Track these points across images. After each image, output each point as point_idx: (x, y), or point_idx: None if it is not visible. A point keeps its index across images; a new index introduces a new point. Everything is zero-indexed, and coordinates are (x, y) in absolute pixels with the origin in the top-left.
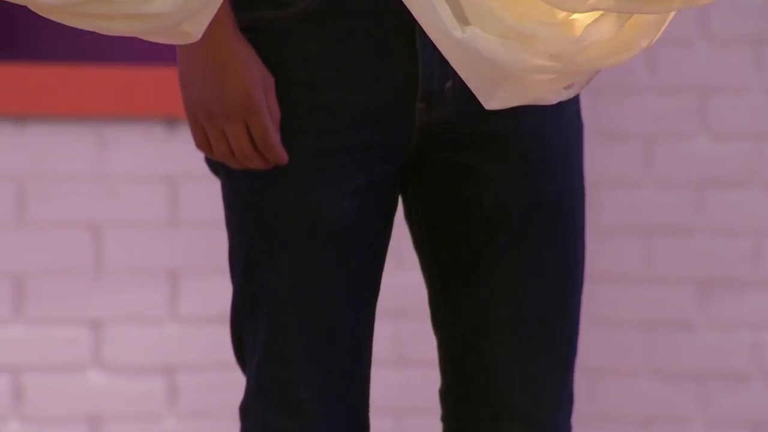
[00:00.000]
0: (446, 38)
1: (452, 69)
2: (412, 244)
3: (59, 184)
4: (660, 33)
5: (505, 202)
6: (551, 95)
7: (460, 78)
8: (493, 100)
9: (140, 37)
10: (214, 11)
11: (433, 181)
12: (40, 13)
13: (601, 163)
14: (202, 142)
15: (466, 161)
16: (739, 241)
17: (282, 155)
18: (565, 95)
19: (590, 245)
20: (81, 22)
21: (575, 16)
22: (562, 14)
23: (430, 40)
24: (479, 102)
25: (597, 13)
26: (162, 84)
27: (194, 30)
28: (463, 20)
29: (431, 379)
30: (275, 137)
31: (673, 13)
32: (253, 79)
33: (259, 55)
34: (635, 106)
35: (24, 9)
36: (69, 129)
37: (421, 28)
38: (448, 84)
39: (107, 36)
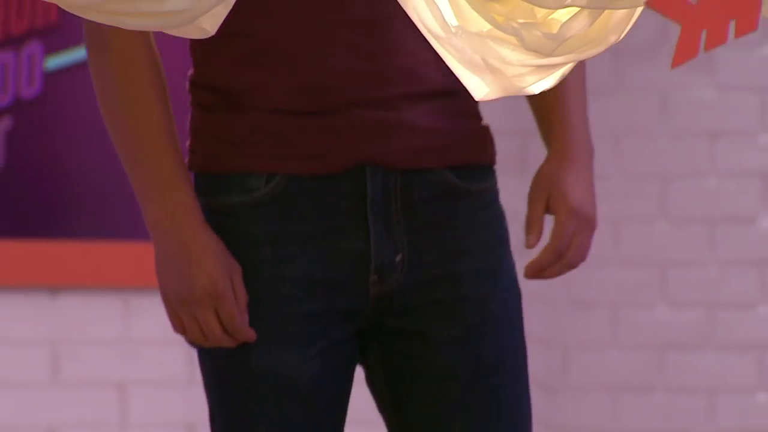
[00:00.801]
0: (437, 36)
1: (401, 243)
2: (377, 408)
3: (89, 347)
4: (627, 30)
5: (453, 363)
6: (534, 86)
7: (409, 251)
8: (481, 92)
9: (161, 30)
10: (228, 9)
11: (388, 345)
12: (69, 11)
13: (571, 327)
14: (178, 327)
15: (416, 326)
16: (695, 398)
17: (249, 335)
18: (546, 85)
19: (562, 402)
20: (107, 18)
21: (553, 15)
22: (542, 13)
23: (381, 218)
24: (426, 272)
25: (573, 11)
26: None
27: (210, 26)
28: (451, 18)
29: None
30: (242, 321)
31: (638, 12)
32: (218, 269)
33: (228, 235)
34: (602, 277)
35: (57, 194)
36: (97, 298)
37: (372, 208)
38: (398, 257)
39: (131, 216)
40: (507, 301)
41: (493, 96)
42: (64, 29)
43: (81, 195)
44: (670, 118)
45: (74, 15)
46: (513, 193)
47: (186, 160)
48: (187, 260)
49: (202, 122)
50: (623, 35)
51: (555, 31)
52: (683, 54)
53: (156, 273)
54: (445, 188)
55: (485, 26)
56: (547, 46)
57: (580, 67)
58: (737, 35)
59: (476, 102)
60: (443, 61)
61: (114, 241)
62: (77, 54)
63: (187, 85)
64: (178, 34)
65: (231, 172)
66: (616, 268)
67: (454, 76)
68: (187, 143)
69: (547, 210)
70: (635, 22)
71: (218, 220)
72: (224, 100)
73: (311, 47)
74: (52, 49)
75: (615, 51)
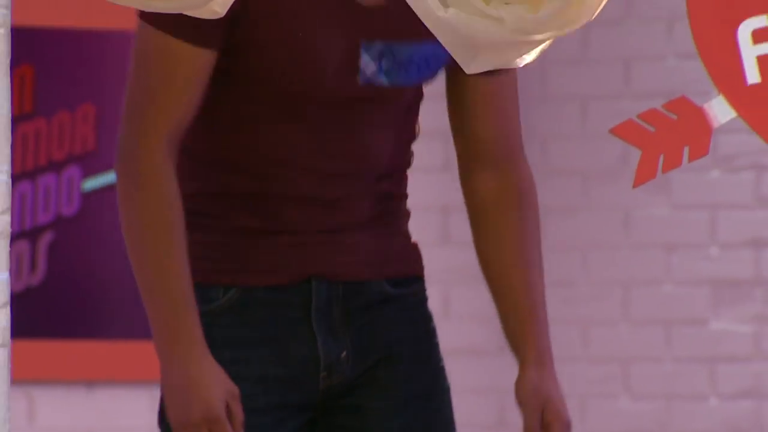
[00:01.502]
0: (432, 16)
1: (345, 342)
2: None
3: None
4: (597, 12)
5: (386, 428)
6: (517, 60)
7: (351, 348)
8: (471, 66)
9: (180, 12)
10: None
11: (333, 422)
12: None
13: None
14: None
15: (355, 402)
16: None
17: None
18: (528, 59)
19: None
20: (128, 0)
21: None
22: None
23: (325, 324)
24: (368, 361)
25: None
26: None
27: (220, 8)
28: (444, 3)
29: None
30: None
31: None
32: (215, 394)
33: None
34: (572, 372)
35: (93, 299)
36: (128, 391)
37: (316, 316)
38: (343, 354)
39: None
40: (437, 383)
41: (481, 69)
42: (100, 156)
43: (114, 300)
44: (631, 233)
45: (109, 142)
46: (436, 261)
47: None
48: (186, 387)
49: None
50: (594, 16)
51: (537, 12)
52: (643, 176)
53: (162, 397)
54: (381, 296)
55: (475, 9)
56: (529, 26)
57: (541, 285)
58: (691, 160)
59: (407, 224)
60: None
61: (142, 341)
62: (110, 177)
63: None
64: (193, 14)
65: (195, 283)
66: (585, 365)
67: (391, 203)
68: None
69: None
70: (598, 149)
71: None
72: (191, 221)
73: (270, 191)
74: (88, 172)
75: (583, 173)
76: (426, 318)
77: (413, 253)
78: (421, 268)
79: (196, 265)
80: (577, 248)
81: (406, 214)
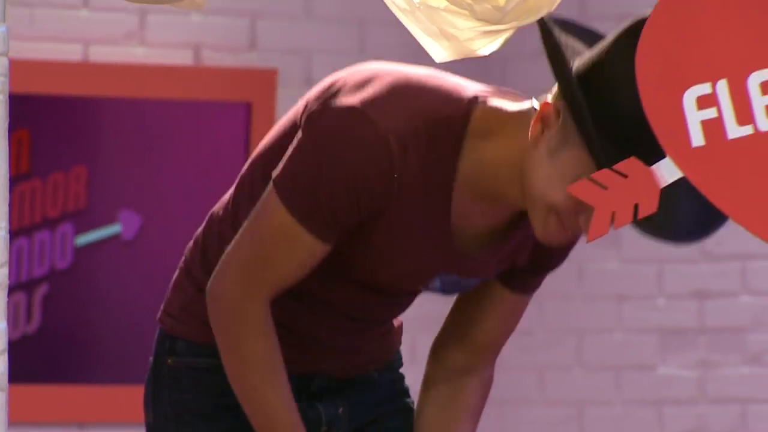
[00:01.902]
0: (403, 10)
1: (340, 402)
2: None
3: None
4: (556, 5)
5: None
6: (483, 49)
7: (347, 404)
8: (440, 56)
9: (161, 4)
10: None
11: None
12: None
13: None
14: None
15: None
16: None
17: None
18: (494, 47)
19: None
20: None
21: None
22: None
23: (329, 396)
24: (360, 418)
25: None
26: None
27: (201, 0)
28: None
29: None
30: None
31: None
32: None
33: (203, 385)
34: (529, 414)
35: (84, 347)
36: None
37: (317, 385)
38: (340, 410)
39: (144, 364)
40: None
41: (450, 58)
42: (91, 213)
43: (104, 347)
44: (584, 284)
45: (99, 201)
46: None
47: (160, 316)
48: None
49: (197, 303)
50: (554, 7)
51: (501, 4)
52: (596, 231)
53: None
54: (368, 382)
55: (442, 3)
56: (495, 16)
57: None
58: (639, 217)
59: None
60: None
61: (129, 385)
62: (101, 233)
63: (185, 261)
64: (176, 6)
65: (211, 344)
66: (541, 408)
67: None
68: (164, 304)
69: None
70: None
71: (193, 376)
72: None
73: (298, 322)
74: (81, 229)
75: None
76: (404, 388)
77: (398, 335)
78: (400, 343)
79: (203, 328)
80: (534, 299)
81: None
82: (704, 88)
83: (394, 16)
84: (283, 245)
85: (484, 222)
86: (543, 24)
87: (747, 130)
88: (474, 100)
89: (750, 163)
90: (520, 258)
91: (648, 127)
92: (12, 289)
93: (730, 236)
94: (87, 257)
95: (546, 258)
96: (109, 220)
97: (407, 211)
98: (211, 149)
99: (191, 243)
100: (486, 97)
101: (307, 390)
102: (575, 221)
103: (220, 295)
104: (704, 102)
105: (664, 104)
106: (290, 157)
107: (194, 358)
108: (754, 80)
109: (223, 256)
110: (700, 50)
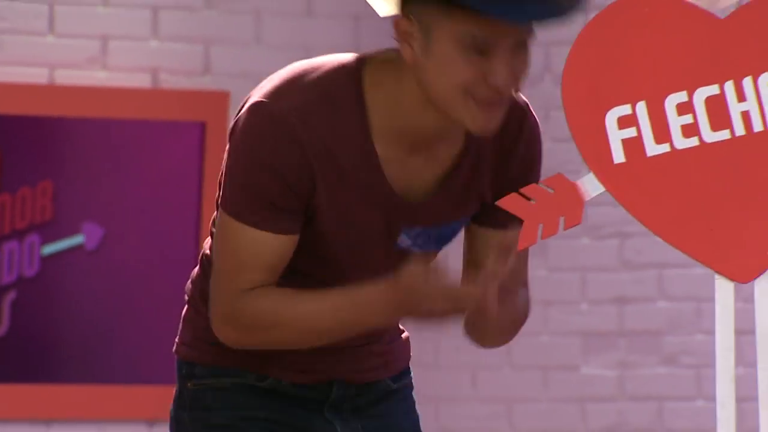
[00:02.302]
0: None
1: (358, 426)
2: None
3: None
4: None
5: None
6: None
7: (362, 429)
8: (383, 9)
9: None
10: None
11: None
12: None
13: None
14: (435, 320)
15: None
16: None
17: (466, 292)
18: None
19: None
20: None
21: None
22: None
23: (339, 416)
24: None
25: None
26: (144, 398)
27: None
28: None
29: None
30: (450, 284)
31: None
32: (416, 284)
33: (223, 403)
34: (461, 411)
35: (51, 348)
36: (83, 428)
37: (329, 409)
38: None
39: (108, 365)
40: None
41: (390, 12)
42: (56, 225)
43: (68, 348)
44: None
45: (64, 213)
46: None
47: (175, 348)
48: (402, 301)
49: (208, 330)
50: None
51: None
52: (525, 241)
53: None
54: (385, 391)
55: None
56: None
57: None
58: (566, 228)
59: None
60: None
61: (95, 384)
62: (66, 243)
63: (189, 299)
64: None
65: (233, 367)
66: (474, 404)
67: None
68: (178, 336)
69: None
70: None
71: (216, 394)
72: None
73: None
74: (47, 239)
75: None
76: (414, 405)
77: (407, 346)
78: (409, 357)
79: (230, 356)
80: None
81: None
82: (625, 109)
83: (341, 40)
84: (249, 252)
85: (427, 171)
86: None
87: (664, 148)
88: (360, 60)
89: (667, 178)
90: (485, 193)
91: None
92: None
93: (647, 246)
94: (53, 266)
95: (507, 182)
96: (73, 231)
97: (339, 178)
98: (168, 165)
99: (189, 283)
100: (368, 56)
101: (325, 401)
102: (487, 89)
103: (220, 327)
104: (625, 122)
105: (588, 123)
106: (224, 175)
107: (214, 379)
108: (671, 102)
109: (210, 291)
110: (621, 73)
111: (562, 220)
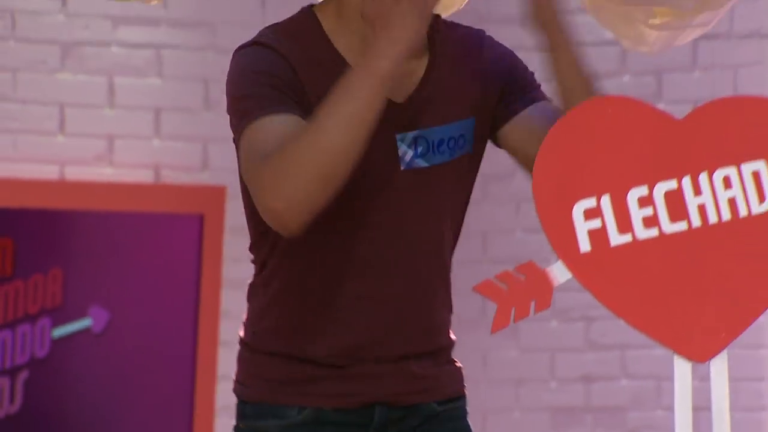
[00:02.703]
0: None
1: None
2: None
3: None
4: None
5: None
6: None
7: None
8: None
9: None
10: None
11: None
12: None
13: None
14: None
15: None
16: None
17: None
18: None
19: None
20: None
21: None
22: None
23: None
24: None
25: None
26: None
27: None
28: None
29: None
30: None
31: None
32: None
33: None
34: None
35: (61, 425)
36: None
37: (378, 420)
38: None
39: None
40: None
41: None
42: (66, 309)
43: (78, 426)
44: (488, 370)
45: (74, 299)
46: None
47: (233, 387)
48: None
49: (254, 363)
50: (462, 5)
51: None
52: (498, 324)
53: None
54: (430, 415)
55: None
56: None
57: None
58: (536, 311)
59: (452, 350)
60: (446, 326)
61: None
62: (75, 326)
63: (240, 340)
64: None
65: (272, 404)
66: None
67: (448, 336)
68: (235, 377)
69: None
70: (462, 303)
71: None
72: (278, 351)
73: (350, 321)
74: (57, 323)
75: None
76: (466, 429)
77: (458, 376)
78: (463, 387)
79: (274, 387)
80: None
81: (453, 344)
82: (591, 202)
83: None
84: (277, 133)
85: (404, 76)
86: None
87: (627, 238)
88: (309, 5)
89: (629, 266)
90: (476, 99)
91: None
92: None
93: (611, 328)
94: (62, 347)
95: (500, 78)
96: (81, 315)
97: (321, 88)
98: (170, 254)
99: (241, 327)
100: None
101: (369, 426)
102: None
103: (267, 195)
104: (590, 214)
105: (556, 215)
106: (229, 108)
107: (259, 421)
108: (633, 195)
109: (249, 188)
110: (587, 169)
111: (533, 303)
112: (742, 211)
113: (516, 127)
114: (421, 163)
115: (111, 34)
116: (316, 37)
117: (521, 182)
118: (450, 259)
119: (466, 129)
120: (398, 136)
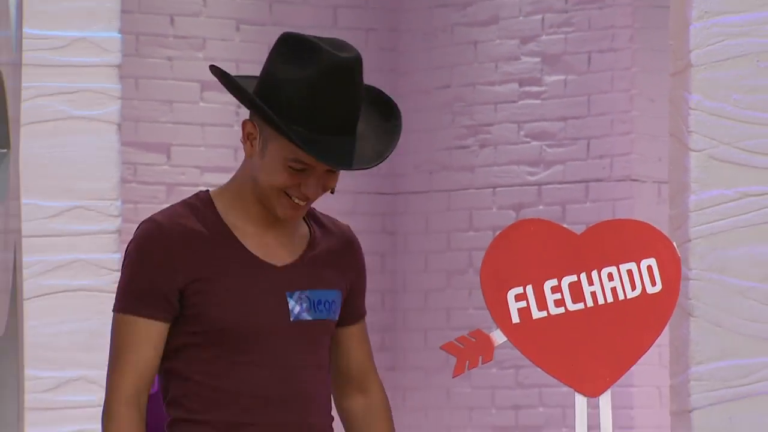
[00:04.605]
0: None
1: None
2: None
3: None
4: None
5: None
6: None
7: None
8: None
9: None
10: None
11: None
12: None
13: None
14: None
15: None
16: None
17: None
18: None
19: None
20: None
21: None
22: None
23: None
24: None
25: None
26: None
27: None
28: None
29: None
30: None
31: None
32: None
33: None
34: None
35: None
36: None
37: None
38: None
39: None
40: None
41: None
42: None
43: None
44: (451, 402)
45: None
46: None
47: None
48: None
49: None
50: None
51: None
52: (457, 371)
53: None
54: None
55: None
56: None
57: None
58: (483, 363)
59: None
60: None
61: None
62: None
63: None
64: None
65: None
66: None
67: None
68: None
69: None
70: (436, 355)
71: None
72: None
73: (235, 421)
74: None
75: (426, 369)
76: None
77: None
78: None
79: None
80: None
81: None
82: (519, 290)
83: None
84: (128, 341)
85: (290, 244)
86: (217, 72)
87: (543, 313)
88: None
89: (546, 332)
90: (341, 281)
91: (311, 104)
92: None
93: (533, 374)
94: None
95: (349, 282)
96: None
97: (211, 261)
98: None
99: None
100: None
101: None
102: (299, 194)
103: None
104: (519, 297)
105: (496, 298)
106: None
107: None
108: (547, 285)
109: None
110: (516, 267)
111: (480, 357)
112: (621, 296)
113: (343, 336)
114: (307, 316)
115: None
116: (206, 212)
117: (473, 276)
118: (328, 375)
119: (333, 298)
120: (287, 293)
